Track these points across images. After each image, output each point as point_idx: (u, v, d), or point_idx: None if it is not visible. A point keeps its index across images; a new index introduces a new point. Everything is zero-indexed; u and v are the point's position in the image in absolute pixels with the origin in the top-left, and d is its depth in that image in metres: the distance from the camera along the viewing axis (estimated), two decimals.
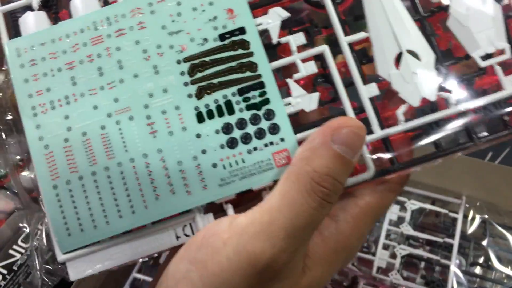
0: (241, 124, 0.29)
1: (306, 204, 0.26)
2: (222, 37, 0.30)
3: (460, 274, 0.53)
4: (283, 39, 0.30)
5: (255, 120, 0.29)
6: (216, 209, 0.30)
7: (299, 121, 0.31)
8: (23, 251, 0.44)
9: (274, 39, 0.30)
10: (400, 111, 0.29)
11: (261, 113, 0.29)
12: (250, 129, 0.29)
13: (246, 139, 0.29)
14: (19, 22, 0.31)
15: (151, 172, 0.29)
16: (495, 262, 0.54)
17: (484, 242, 0.56)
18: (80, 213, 0.28)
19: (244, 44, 0.30)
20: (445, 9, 0.31)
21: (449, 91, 0.29)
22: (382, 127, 0.29)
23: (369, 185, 0.30)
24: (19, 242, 0.44)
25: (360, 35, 0.30)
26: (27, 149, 0.30)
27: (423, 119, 0.29)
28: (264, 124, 0.29)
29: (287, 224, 0.26)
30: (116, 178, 0.29)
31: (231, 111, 0.29)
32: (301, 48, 0.30)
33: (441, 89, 0.29)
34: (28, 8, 0.32)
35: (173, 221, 0.29)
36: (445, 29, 0.32)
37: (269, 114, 0.29)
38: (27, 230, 0.29)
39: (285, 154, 0.29)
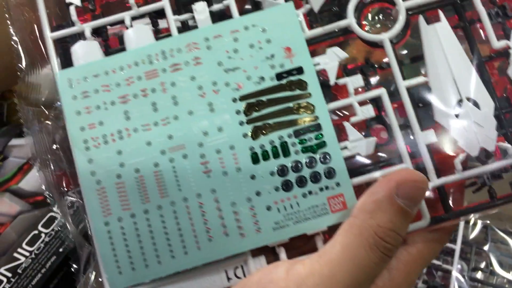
0: (297, 166, 0.29)
1: (368, 259, 0.25)
2: (279, 76, 0.29)
3: (462, 279, 0.53)
4: (341, 81, 0.30)
5: (310, 163, 0.29)
6: (266, 251, 0.29)
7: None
8: (27, 254, 0.44)
9: (332, 80, 0.30)
10: (458, 161, 0.29)
11: (317, 156, 0.29)
12: (306, 172, 0.29)
13: (301, 182, 0.28)
14: (71, 51, 0.30)
15: (204, 213, 0.28)
16: (497, 267, 0.54)
17: (486, 247, 0.56)
18: (132, 251, 0.28)
19: (302, 85, 0.29)
20: (505, 55, 0.30)
21: (509, 141, 0.29)
22: (439, 175, 0.29)
23: (421, 232, 0.29)
24: (24, 245, 0.44)
25: (419, 79, 0.30)
26: (33, 150, 0.29)
27: (481, 169, 0.29)
28: (320, 168, 0.29)
29: (347, 279, 0.25)
30: (169, 217, 0.28)
31: (286, 153, 0.29)
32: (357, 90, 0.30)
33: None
34: (78, 35, 0.32)
35: (224, 262, 0.29)
36: (500, 73, 0.31)
37: (325, 158, 0.29)
38: (74, 266, 0.29)
39: (340, 199, 0.28)
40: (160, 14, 0.32)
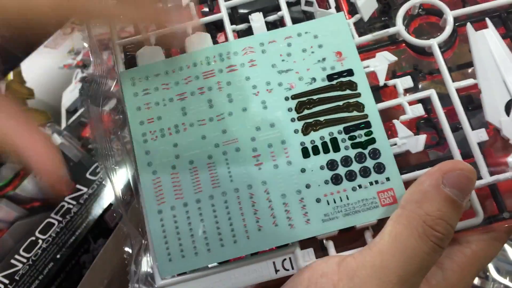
0: (346, 161, 0.29)
1: (419, 248, 0.25)
2: (330, 77, 0.30)
3: None
4: (391, 82, 0.30)
5: (360, 158, 0.29)
6: (314, 244, 0.29)
7: (402, 164, 0.30)
8: (25, 260, 0.43)
9: (381, 81, 0.30)
10: (511, 158, 0.28)
11: (366, 151, 0.29)
12: (355, 167, 0.29)
13: (351, 176, 0.29)
14: (136, 55, 0.33)
15: (254, 203, 0.29)
16: (494, 273, 0.52)
17: None
18: (183, 239, 0.29)
19: (352, 85, 0.30)
20: None
21: None
22: (491, 173, 0.29)
23: (475, 232, 0.29)
24: (21, 252, 0.44)
25: (469, 81, 0.30)
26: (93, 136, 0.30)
27: None
28: (370, 163, 0.29)
29: (400, 268, 0.25)
30: (220, 207, 0.29)
31: (336, 148, 0.29)
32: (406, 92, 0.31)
33: None
34: (141, 43, 0.34)
35: (272, 253, 0.29)
36: None
37: (375, 153, 0.29)
38: (129, 250, 0.30)
39: (390, 193, 0.28)
40: (218, 27, 0.34)
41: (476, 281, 0.52)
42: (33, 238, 0.45)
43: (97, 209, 0.46)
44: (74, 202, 0.47)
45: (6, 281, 0.42)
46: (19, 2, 0.26)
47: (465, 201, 0.27)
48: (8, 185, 0.48)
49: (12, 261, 0.43)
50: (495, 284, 0.51)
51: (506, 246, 0.53)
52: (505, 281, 0.51)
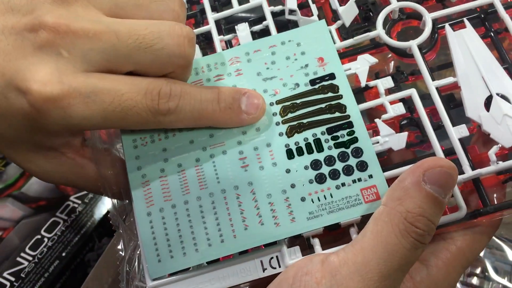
0: (330, 160, 0.30)
1: (400, 244, 0.25)
2: (312, 82, 0.31)
3: (458, 285, 0.50)
4: (372, 83, 0.31)
5: (343, 157, 0.30)
6: (300, 242, 0.29)
7: (388, 163, 0.31)
8: (30, 258, 0.44)
9: (363, 83, 0.31)
10: (492, 152, 0.29)
11: (349, 151, 0.30)
12: (339, 165, 0.30)
13: (334, 175, 0.29)
14: None
15: (241, 203, 0.29)
16: (492, 273, 0.51)
17: (481, 253, 0.52)
18: (171, 240, 0.29)
19: (334, 88, 0.31)
20: None
21: None
22: (473, 167, 0.29)
23: (459, 227, 0.29)
24: (27, 250, 0.45)
25: (449, 79, 0.31)
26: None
27: None
28: (352, 161, 0.30)
29: (381, 265, 0.25)
30: (207, 207, 0.30)
31: (320, 149, 0.30)
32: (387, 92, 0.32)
33: None
34: None
35: (260, 252, 0.29)
36: None
37: (357, 152, 0.30)
38: (122, 254, 0.30)
39: (373, 190, 0.29)
40: (208, 38, 0.36)
41: (475, 281, 0.51)
42: (39, 236, 0.46)
43: (102, 208, 0.48)
44: (79, 201, 0.48)
45: (12, 279, 0.43)
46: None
47: (447, 197, 0.27)
48: (14, 184, 0.50)
49: (18, 259, 0.45)
50: (493, 284, 0.51)
51: (504, 246, 0.53)
52: (504, 281, 0.50)
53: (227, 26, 0.36)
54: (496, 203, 0.29)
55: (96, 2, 0.28)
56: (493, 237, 0.54)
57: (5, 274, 0.44)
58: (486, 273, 0.52)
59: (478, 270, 0.53)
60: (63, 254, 0.45)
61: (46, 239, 0.46)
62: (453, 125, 0.30)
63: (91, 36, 0.27)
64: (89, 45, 0.27)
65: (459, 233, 0.29)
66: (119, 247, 0.30)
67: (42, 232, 0.46)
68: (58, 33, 0.27)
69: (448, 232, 0.29)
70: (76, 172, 0.32)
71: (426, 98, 0.31)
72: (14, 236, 0.46)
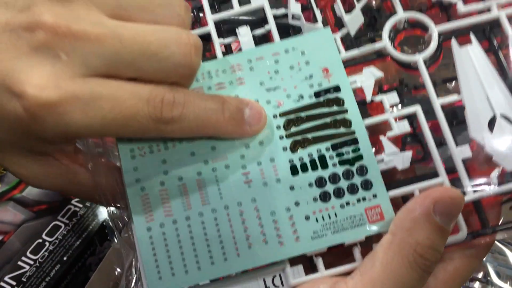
0: (334, 178, 0.29)
1: (409, 276, 0.26)
2: (317, 94, 0.31)
3: None
4: (377, 98, 0.31)
5: (348, 175, 0.29)
6: (304, 260, 0.29)
7: (389, 178, 0.31)
8: (32, 262, 0.44)
9: (368, 98, 0.31)
10: (494, 175, 0.29)
11: (354, 168, 0.29)
12: (343, 183, 0.29)
13: (339, 193, 0.29)
14: None
15: (244, 220, 0.29)
16: (494, 278, 0.53)
17: (483, 258, 0.55)
18: (172, 257, 0.29)
19: (339, 102, 0.30)
20: None
21: None
22: (475, 190, 0.29)
23: (457, 248, 0.29)
24: (28, 254, 0.44)
25: (453, 97, 0.31)
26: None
27: None
28: (357, 180, 0.29)
29: None
30: (209, 224, 0.29)
31: (324, 166, 0.30)
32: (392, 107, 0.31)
33: None
34: None
35: (262, 270, 0.29)
36: None
37: (362, 170, 0.29)
38: (118, 270, 0.30)
39: (377, 210, 0.29)
40: (205, 39, 0.34)
41: (477, 285, 0.53)
42: (40, 240, 0.45)
43: (104, 212, 0.47)
44: (80, 205, 0.47)
45: (14, 283, 0.43)
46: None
47: (452, 226, 0.27)
48: (15, 187, 0.48)
49: (19, 263, 0.44)
50: None
51: (506, 250, 0.54)
52: (506, 286, 0.52)
53: (226, 26, 0.34)
54: (493, 223, 0.30)
55: (99, 2, 0.26)
56: (496, 242, 0.55)
57: (6, 279, 0.43)
58: (489, 278, 0.53)
59: (480, 275, 0.54)
60: (65, 258, 0.44)
61: (47, 243, 0.45)
62: (456, 144, 0.30)
63: (92, 40, 0.25)
64: (90, 49, 0.25)
65: (456, 254, 0.30)
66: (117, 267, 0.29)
67: (44, 236, 0.45)
68: (57, 34, 0.25)
69: (446, 252, 0.30)
70: (69, 178, 0.31)
71: (428, 113, 0.31)
72: (15, 240, 0.45)
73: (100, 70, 0.26)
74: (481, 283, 0.54)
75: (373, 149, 0.31)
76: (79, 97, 0.25)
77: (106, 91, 0.26)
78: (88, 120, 0.25)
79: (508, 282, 0.53)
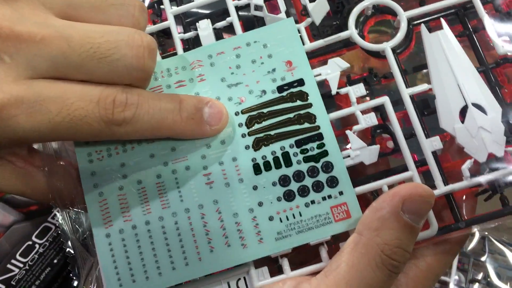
0: (299, 176, 0.28)
1: (376, 277, 0.25)
2: (280, 89, 0.29)
3: None
4: (343, 90, 0.30)
5: (312, 172, 0.28)
6: (269, 261, 0.29)
7: (360, 171, 0.30)
8: (21, 265, 0.43)
9: (334, 90, 0.30)
10: (466, 167, 0.28)
11: (319, 165, 0.28)
12: (308, 181, 0.28)
13: (303, 191, 0.28)
14: None
15: (206, 224, 0.28)
16: (494, 279, 0.52)
17: (483, 259, 0.54)
18: (133, 263, 0.28)
19: (303, 96, 0.29)
20: (510, 60, 0.30)
21: None
22: (446, 182, 0.28)
23: (429, 244, 0.28)
24: (17, 257, 0.43)
25: (423, 87, 0.29)
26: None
27: (490, 175, 0.28)
28: (322, 177, 0.28)
29: None
30: (170, 228, 0.28)
31: (288, 163, 0.28)
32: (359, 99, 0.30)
33: (508, 143, 0.28)
34: None
35: (226, 274, 0.28)
36: (510, 81, 0.31)
37: (327, 167, 0.28)
38: (76, 280, 0.29)
39: (344, 208, 0.28)
40: (167, 33, 0.33)
41: (477, 287, 0.52)
42: (30, 242, 0.44)
43: None
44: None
45: (3, 286, 0.42)
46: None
47: (422, 223, 0.26)
48: None
49: (9, 266, 0.43)
50: None
51: (506, 251, 0.53)
52: (506, 287, 0.51)
53: (187, 20, 0.33)
54: (466, 217, 0.28)
55: (46, 1, 0.25)
56: (496, 242, 0.54)
57: None
58: (489, 279, 0.52)
59: (480, 276, 0.53)
60: (55, 261, 0.43)
61: (37, 245, 0.44)
62: (427, 135, 0.29)
63: (37, 41, 0.24)
64: (35, 50, 0.24)
65: (428, 249, 0.28)
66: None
67: (34, 238, 0.44)
68: (0, 36, 0.24)
69: (417, 248, 0.28)
70: (25, 181, 0.30)
71: (400, 103, 0.30)
72: (5, 242, 0.44)
73: (47, 72, 0.25)
74: (481, 285, 0.53)
75: (345, 143, 0.30)
76: (24, 100, 0.24)
77: (53, 93, 0.24)
78: (35, 124, 0.24)
79: (509, 283, 0.52)
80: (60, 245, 0.44)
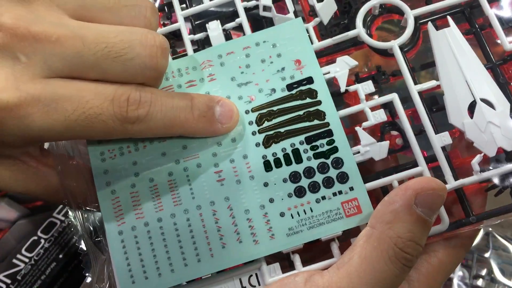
0: (309, 172, 0.28)
1: (388, 271, 0.25)
2: (289, 87, 0.30)
3: (463, 287, 0.51)
4: (352, 88, 0.30)
5: (323, 168, 0.28)
6: (280, 258, 0.29)
7: (369, 168, 0.30)
8: (27, 260, 0.43)
9: (342, 88, 0.30)
10: (475, 161, 0.28)
11: (329, 161, 0.29)
12: (318, 177, 0.28)
13: (314, 187, 0.28)
14: None
15: (217, 220, 0.28)
16: (498, 275, 0.51)
17: (487, 255, 0.54)
18: (145, 260, 0.28)
19: (312, 93, 0.29)
20: None
21: None
22: (456, 177, 0.28)
23: (440, 239, 0.28)
24: (23, 252, 0.43)
25: (431, 83, 0.29)
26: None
27: (500, 169, 0.28)
28: (333, 173, 0.28)
29: None
30: (182, 225, 0.28)
31: (298, 160, 0.29)
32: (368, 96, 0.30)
33: None
34: None
35: (238, 270, 0.28)
36: None
37: (338, 163, 0.28)
38: (89, 277, 0.29)
39: (354, 203, 0.28)
40: (177, 35, 0.33)
41: (481, 283, 0.52)
42: (35, 237, 0.44)
43: None
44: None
45: (8, 281, 0.42)
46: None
47: (435, 217, 0.26)
48: None
49: (14, 260, 0.43)
50: (499, 286, 0.51)
51: (510, 247, 0.53)
52: (510, 283, 0.51)
53: (197, 22, 0.33)
54: (477, 212, 0.28)
55: (60, 1, 0.26)
56: (500, 238, 0.54)
57: (0, 277, 0.42)
58: (492, 275, 0.52)
59: (484, 272, 0.53)
60: (60, 256, 0.44)
61: (42, 240, 0.44)
62: (436, 131, 0.29)
63: (53, 41, 0.24)
64: (50, 50, 0.24)
65: (440, 245, 0.28)
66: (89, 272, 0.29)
67: (39, 233, 0.44)
68: (16, 35, 0.24)
69: (429, 243, 0.29)
70: (37, 181, 0.30)
71: (408, 100, 0.30)
72: (10, 237, 0.44)
73: (62, 71, 0.25)
74: (485, 281, 0.52)
75: (354, 141, 0.30)
76: (40, 99, 0.24)
77: (68, 92, 0.25)
78: (51, 122, 0.25)
79: None
80: (65, 240, 0.44)
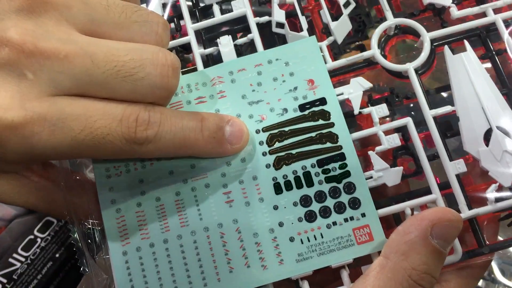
0: (320, 196, 0.28)
1: None
2: (302, 107, 0.29)
3: None
4: (365, 110, 0.29)
5: (334, 193, 0.28)
6: (288, 283, 0.28)
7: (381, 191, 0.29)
8: (23, 259, 0.42)
9: (356, 110, 0.29)
10: (490, 191, 0.27)
11: (341, 186, 0.28)
12: (329, 202, 0.28)
13: (325, 212, 0.28)
14: None
15: (225, 243, 0.27)
16: (499, 275, 0.51)
17: None
18: (149, 282, 0.27)
19: (325, 115, 0.29)
20: None
21: None
22: (470, 206, 0.28)
23: (452, 269, 0.28)
24: (19, 251, 0.43)
25: (446, 108, 0.29)
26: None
27: None
28: (344, 198, 0.28)
29: None
30: (188, 247, 0.28)
31: (309, 183, 0.28)
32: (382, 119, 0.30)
33: None
34: None
35: None
36: None
37: (350, 188, 0.28)
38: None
39: (366, 230, 0.27)
40: (186, 48, 0.33)
41: (481, 283, 0.51)
42: (32, 236, 0.44)
43: None
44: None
45: (4, 280, 0.42)
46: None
47: (448, 248, 0.26)
48: None
49: (11, 260, 0.42)
50: (500, 286, 0.51)
51: (510, 248, 0.53)
52: (510, 283, 0.50)
53: (207, 35, 0.33)
54: (490, 241, 0.28)
55: (70, 15, 0.25)
56: (500, 239, 0.54)
57: None
58: (493, 275, 0.52)
59: (485, 273, 0.53)
60: (57, 255, 0.43)
61: (39, 240, 0.43)
62: (450, 158, 0.28)
63: (61, 58, 0.23)
64: (58, 67, 0.24)
65: (452, 274, 0.28)
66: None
67: (35, 232, 0.44)
68: (23, 52, 0.23)
69: (441, 272, 0.28)
70: (39, 195, 0.29)
71: (422, 124, 0.30)
72: (6, 236, 0.43)
73: (70, 89, 0.24)
74: (485, 281, 0.52)
75: (364, 163, 0.29)
76: (47, 118, 0.23)
77: (75, 110, 0.24)
78: (56, 142, 0.24)
79: None
80: (62, 240, 0.43)
